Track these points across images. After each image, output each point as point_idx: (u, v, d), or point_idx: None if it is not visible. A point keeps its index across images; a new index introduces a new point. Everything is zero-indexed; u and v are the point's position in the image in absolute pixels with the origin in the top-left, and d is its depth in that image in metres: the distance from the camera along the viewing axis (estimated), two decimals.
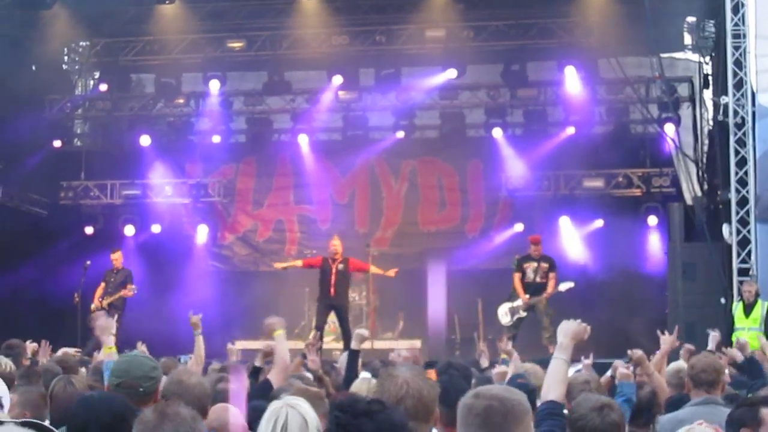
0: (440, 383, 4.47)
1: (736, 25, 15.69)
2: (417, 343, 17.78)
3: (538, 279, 16.59)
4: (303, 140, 20.81)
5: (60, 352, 9.66)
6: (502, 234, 20.05)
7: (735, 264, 15.52)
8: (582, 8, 18.27)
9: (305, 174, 20.97)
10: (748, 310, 14.43)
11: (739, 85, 15.73)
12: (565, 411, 4.81)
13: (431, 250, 20.12)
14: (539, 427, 4.53)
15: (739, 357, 9.21)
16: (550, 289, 16.44)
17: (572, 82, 19.43)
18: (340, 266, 16.10)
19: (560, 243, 19.42)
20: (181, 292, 18.60)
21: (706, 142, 18.73)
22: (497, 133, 20.23)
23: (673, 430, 6.29)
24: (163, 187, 20.59)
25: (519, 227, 19.77)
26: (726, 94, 15.82)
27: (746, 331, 14.18)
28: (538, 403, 4.84)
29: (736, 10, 15.67)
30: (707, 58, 18.50)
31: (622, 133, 20.16)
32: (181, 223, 20.97)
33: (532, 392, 5.48)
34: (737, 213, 15.55)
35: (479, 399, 3.79)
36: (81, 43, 21.01)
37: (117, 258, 17.41)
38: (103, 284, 17.19)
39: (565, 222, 19.68)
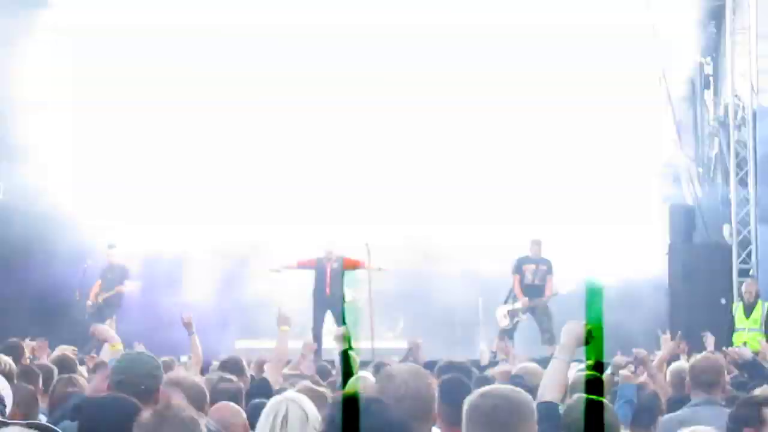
0: (441, 383, 4.47)
1: (736, 24, 15.70)
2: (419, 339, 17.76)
3: (536, 281, 16.53)
4: None
5: (58, 350, 9.65)
6: None
7: (735, 264, 15.54)
8: None
9: None
10: (748, 310, 14.44)
11: (740, 84, 15.75)
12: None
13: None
14: None
15: (748, 355, 9.16)
16: (548, 291, 16.40)
17: None
18: (335, 265, 16.05)
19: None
20: (179, 290, 18.58)
21: (707, 142, 18.72)
22: None
23: (673, 430, 6.29)
24: None
25: None
26: (726, 93, 15.83)
27: (746, 331, 14.20)
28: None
29: (736, 9, 15.69)
30: (708, 58, 18.50)
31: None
32: None
33: (531, 392, 5.46)
34: (737, 213, 15.56)
35: (486, 398, 3.81)
36: None
37: (114, 254, 17.42)
38: (99, 281, 17.19)
39: None
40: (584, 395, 4.90)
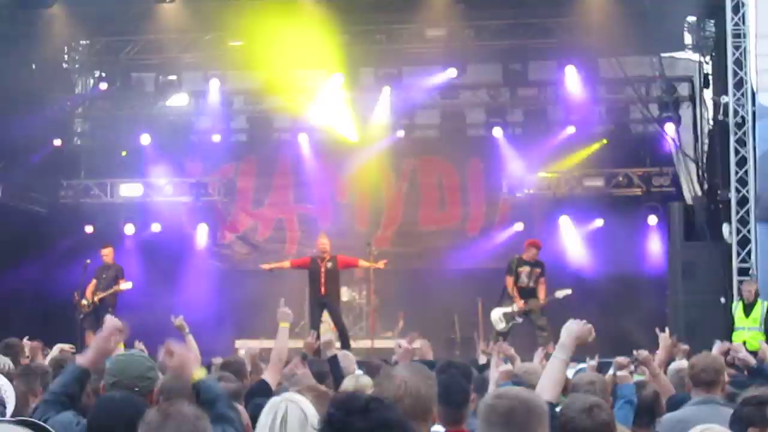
0: (440, 382, 4.47)
1: (736, 24, 15.70)
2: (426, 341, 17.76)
3: (531, 284, 16.51)
4: (303, 139, 20.80)
5: (56, 348, 9.65)
6: (503, 233, 20.03)
7: (735, 263, 15.53)
8: (582, 8, 18.25)
9: (305, 173, 20.95)
10: (747, 309, 14.44)
11: (740, 84, 15.75)
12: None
13: (431, 250, 20.12)
14: None
15: (752, 361, 9.15)
16: (542, 294, 16.35)
17: (572, 82, 19.44)
18: (329, 264, 16.01)
19: (560, 242, 19.43)
20: (181, 291, 18.62)
21: (707, 141, 18.71)
22: (497, 132, 20.22)
23: (673, 429, 6.29)
24: (163, 186, 20.56)
25: (519, 227, 19.77)
26: (726, 93, 15.84)
27: (746, 330, 14.20)
28: None
29: (736, 9, 15.69)
30: (707, 58, 18.49)
31: (623, 132, 20.16)
32: (181, 222, 20.94)
33: None
34: (737, 212, 15.57)
35: (502, 399, 3.86)
36: (81, 42, 20.97)
37: (107, 254, 17.45)
38: (94, 281, 17.22)
39: (565, 221, 19.67)
40: (579, 395, 4.89)
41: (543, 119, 20.77)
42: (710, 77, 18.35)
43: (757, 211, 15.43)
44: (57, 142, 20.31)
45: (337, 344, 15.98)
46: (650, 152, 19.63)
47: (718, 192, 16.73)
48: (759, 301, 14.47)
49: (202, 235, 20.91)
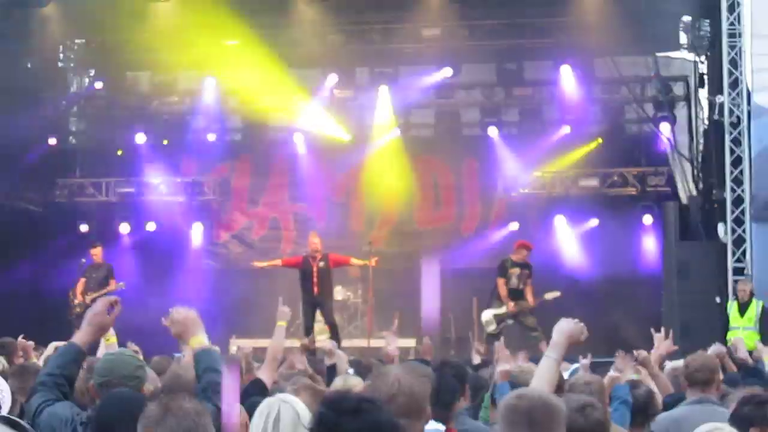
0: (434, 381, 4.46)
1: (731, 24, 15.71)
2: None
3: (521, 286, 16.49)
4: (298, 139, 20.78)
5: (50, 347, 9.62)
6: (498, 233, 20.02)
7: (730, 263, 15.55)
8: (577, 7, 18.26)
9: (300, 172, 20.92)
10: (742, 309, 14.46)
11: (735, 84, 15.76)
12: None
13: (426, 249, 20.09)
14: None
15: (749, 360, 9.13)
16: (530, 296, 16.32)
17: (568, 81, 19.44)
18: (321, 263, 15.99)
19: (555, 242, 19.43)
20: (176, 290, 18.58)
21: (702, 141, 18.73)
22: (493, 131, 20.22)
23: (668, 428, 6.29)
24: (158, 185, 20.54)
25: (514, 226, 19.75)
26: (721, 93, 15.85)
27: (741, 330, 14.21)
28: None
29: (731, 9, 15.70)
30: (703, 58, 18.50)
31: (618, 132, 20.17)
32: (176, 221, 20.91)
33: None
34: (732, 212, 15.58)
35: (523, 400, 3.98)
36: (76, 41, 20.97)
37: (97, 253, 17.42)
38: (83, 279, 17.18)
39: (560, 221, 19.67)
40: (571, 395, 4.88)
41: (538, 119, 20.75)
42: (705, 77, 18.36)
43: (752, 210, 15.45)
44: (52, 141, 20.29)
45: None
46: (645, 152, 19.65)
47: (714, 192, 16.75)
48: (754, 300, 14.48)
49: (197, 234, 20.89)
